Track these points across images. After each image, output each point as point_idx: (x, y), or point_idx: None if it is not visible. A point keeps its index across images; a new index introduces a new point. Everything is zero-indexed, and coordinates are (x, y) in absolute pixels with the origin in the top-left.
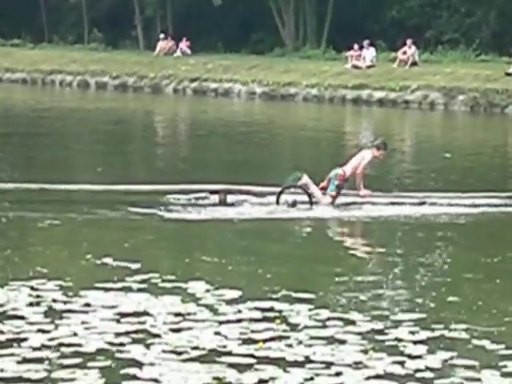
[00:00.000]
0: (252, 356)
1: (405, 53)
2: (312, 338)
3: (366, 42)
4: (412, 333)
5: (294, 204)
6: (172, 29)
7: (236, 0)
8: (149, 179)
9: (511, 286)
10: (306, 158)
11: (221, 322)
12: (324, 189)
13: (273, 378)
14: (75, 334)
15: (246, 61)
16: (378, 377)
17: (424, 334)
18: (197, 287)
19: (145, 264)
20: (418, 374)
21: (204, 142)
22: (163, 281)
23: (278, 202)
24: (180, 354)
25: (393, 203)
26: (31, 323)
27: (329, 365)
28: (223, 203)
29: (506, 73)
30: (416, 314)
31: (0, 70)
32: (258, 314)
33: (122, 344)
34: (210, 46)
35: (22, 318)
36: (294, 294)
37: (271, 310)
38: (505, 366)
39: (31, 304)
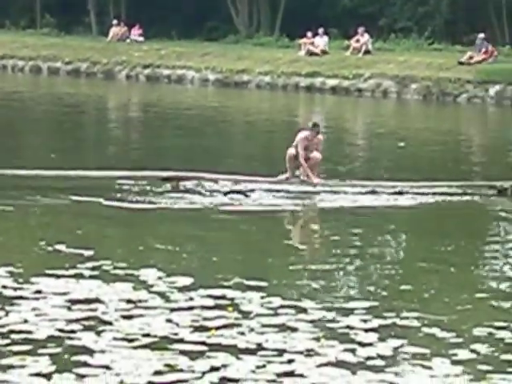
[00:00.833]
0: (204, 343)
1: (358, 41)
2: (264, 325)
3: (320, 30)
4: (364, 321)
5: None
6: (125, 15)
7: None
8: (101, 165)
9: (464, 275)
10: (258, 145)
11: (172, 309)
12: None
13: (225, 366)
14: (26, 321)
15: (199, 48)
16: (329, 364)
17: (375, 322)
18: (149, 274)
19: (97, 251)
20: (370, 362)
21: (157, 128)
22: (115, 268)
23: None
24: (131, 341)
25: (346, 192)
26: None
27: (281, 352)
28: (175, 190)
29: (458, 62)
30: (368, 302)
31: None
32: (210, 302)
33: (72, 331)
34: (164, 32)
35: None
36: (246, 282)
37: (223, 297)
38: (455, 354)
39: None
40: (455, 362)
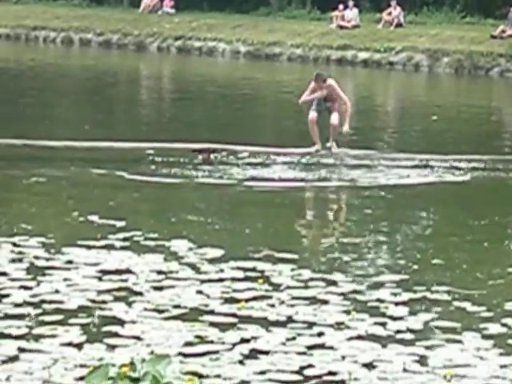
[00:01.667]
0: (234, 315)
1: (390, 14)
2: (294, 298)
3: (350, 3)
4: (394, 294)
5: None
6: None
7: None
8: (133, 137)
9: (498, 250)
10: (289, 118)
11: (203, 281)
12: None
13: (255, 338)
14: (57, 291)
15: (230, 20)
16: (359, 337)
17: (406, 296)
18: (179, 246)
19: (129, 222)
20: (400, 335)
21: (188, 100)
22: (146, 239)
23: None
24: (162, 312)
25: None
26: (13, 279)
27: (311, 325)
28: (207, 162)
29: (491, 35)
30: (398, 275)
31: None
32: (240, 274)
33: (103, 301)
34: (196, 4)
35: (4, 274)
36: (276, 254)
37: (254, 269)
38: (486, 328)
39: (13, 260)
40: (486, 336)
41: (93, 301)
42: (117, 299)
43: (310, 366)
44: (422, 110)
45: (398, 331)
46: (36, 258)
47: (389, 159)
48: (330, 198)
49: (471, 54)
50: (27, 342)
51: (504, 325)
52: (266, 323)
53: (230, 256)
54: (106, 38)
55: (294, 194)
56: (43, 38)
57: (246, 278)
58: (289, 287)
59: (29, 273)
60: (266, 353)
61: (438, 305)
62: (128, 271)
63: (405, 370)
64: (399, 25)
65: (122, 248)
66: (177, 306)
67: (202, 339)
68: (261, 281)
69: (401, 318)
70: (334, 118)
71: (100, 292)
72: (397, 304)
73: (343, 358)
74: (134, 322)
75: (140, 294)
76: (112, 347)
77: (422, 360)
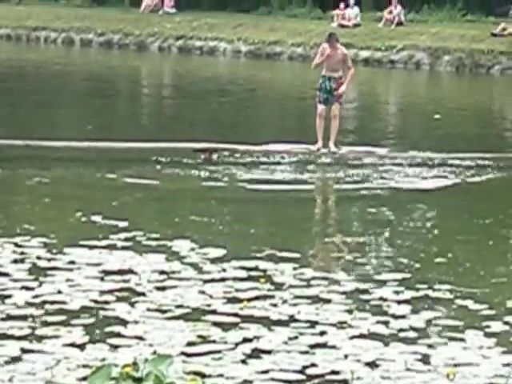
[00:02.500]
0: (236, 315)
1: (391, 12)
2: (296, 297)
3: (351, 1)
4: (396, 293)
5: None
6: None
7: None
8: (134, 137)
9: (502, 248)
10: (292, 117)
11: (205, 281)
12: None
13: (257, 337)
14: (59, 292)
15: (231, 19)
16: (362, 336)
17: (408, 294)
18: (182, 245)
19: (131, 222)
20: (402, 334)
21: (190, 100)
22: (148, 239)
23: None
24: (164, 312)
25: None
26: (15, 280)
27: (313, 324)
28: (208, 162)
29: (491, 33)
30: (401, 274)
31: None
32: (242, 273)
33: (106, 302)
34: (196, 3)
35: (6, 274)
36: (278, 254)
37: (256, 269)
38: (488, 327)
39: (15, 261)
40: (488, 334)
41: (95, 301)
42: (119, 299)
43: (313, 365)
44: (423, 109)
45: (401, 330)
46: (38, 258)
47: (391, 158)
48: (331, 198)
49: (472, 52)
50: (30, 343)
51: (507, 323)
52: (268, 322)
53: (232, 256)
54: (107, 39)
55: (295, 194)
56: (44, 39)
57: (249, 278)
58: (291, 286)
59: (31, 273)
60: (269, 352)
61: (440, 303)
62: (130, 271)
63: (407, 369)
64: (400, 23)
65: (124, 248)
66: (179, 306)
67: (204, 339)
68: (263, 280)
69: (403, 317)
70: (335, 109)
71: (102, 292)
72: (399, 302)
73: (346, 356)
74: (136, 322)
75: (142, 294)
76: (115, 347)
77: (425, 359)
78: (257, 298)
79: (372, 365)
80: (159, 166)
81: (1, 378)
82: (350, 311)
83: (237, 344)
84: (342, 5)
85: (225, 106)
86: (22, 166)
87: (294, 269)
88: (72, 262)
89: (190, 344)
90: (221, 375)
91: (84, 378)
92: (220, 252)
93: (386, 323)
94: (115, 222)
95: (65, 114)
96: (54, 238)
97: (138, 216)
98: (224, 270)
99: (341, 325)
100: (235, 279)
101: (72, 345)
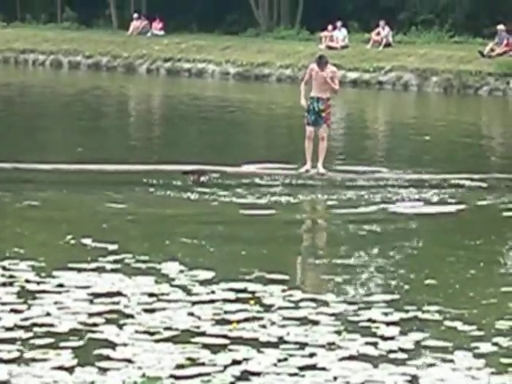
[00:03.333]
0: (226, 337)
1: (378, 34)
2: (285, 318)
3: (338, 23)
4: (385, 314)
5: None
6: (146, 8)
7: None
8: (123, 159)
9: (493, 270)
10: (280, 138)
11: (194, 303)
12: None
13: (246, 359)
14: (48, 314)
15: (219, 41)
16: (351, 357)
17: (397, 316)
18: (170, 268)
19: (121, 245)
20: (391, 355)
21: (178, 122)
22: (137, 261)
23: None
24: (153, 334)
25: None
26: (4, 303)
27: (302, 345)
28: (197, 184)
29: (479, 51)
30: (389, 295)
31: None
32: (231, 295)
33: (95, 324)
34: (184, 25)
35: None
36: (267, 275)
37: (245, 290)
38: (477, 348)
39: (4, 284)
40: (477, 356)
41: (84, 324)
42: (108, 322)
43: None
44: (413, 130)
45: (390, 351)
46: (27, 281)
47: (380, 179)
48: (320, 219)
49: (460, 73)
50: (18, 366)
51: (495, 344)
52: (257, 344)
53: (221, 277)
54: (95, 61)
55: (284, 216)
56: (32, 61)
57: (237, 300)
58: (280, 308)
59: (20, 296)
60: (258, 374)
61: (429, 324)
62: (119, 294)
63: None
64: (388, 45)
65: (113, 271)
66: (168, 328)
67: (193, 361)
68: (252, 302)
69: (392, 338)
70: (323, 131)
71: (91, 315)
72: (388, 324)
73: (335, 378)
74: (125, 345)
75: (131, 316)
76: (103, 370)
77: (414, 380)
78: (246, 319)
79: None
80: (150, 189)
81: None
82: (338, 332)
83: (226, 366)
84: (329, 27)
85: (213, 128)
86: (10, 189)
87: (283, 291)
88: (61, 285)
89: (179, 366)
90: None
91: None
92: (209, 274)
93: (375, 344)
94: (104, 245)
95: (54, 137)
96: (42, 261)
97: (127, 238)
98: (213, 292)
99: (330, 346)
100: (224, 301)
101: (61, 368)
